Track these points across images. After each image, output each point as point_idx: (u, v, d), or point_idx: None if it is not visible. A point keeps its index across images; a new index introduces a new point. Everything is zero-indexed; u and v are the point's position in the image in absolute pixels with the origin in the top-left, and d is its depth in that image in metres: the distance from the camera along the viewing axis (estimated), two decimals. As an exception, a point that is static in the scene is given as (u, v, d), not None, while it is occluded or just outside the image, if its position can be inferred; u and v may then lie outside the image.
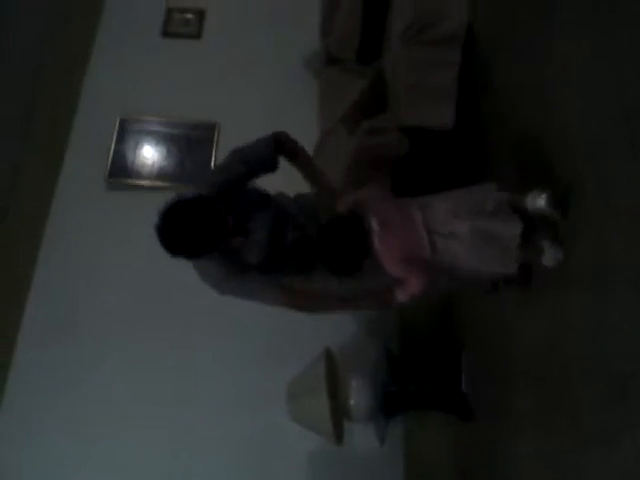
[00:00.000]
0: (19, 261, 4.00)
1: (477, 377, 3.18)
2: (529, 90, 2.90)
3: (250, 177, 2.40)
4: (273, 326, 3.31)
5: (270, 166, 2.44)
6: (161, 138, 4.43)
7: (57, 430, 3.56)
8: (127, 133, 4.41)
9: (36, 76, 4.44)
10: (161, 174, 4.31)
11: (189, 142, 4.40)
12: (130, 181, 4.29)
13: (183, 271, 2.39)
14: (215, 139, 4.35)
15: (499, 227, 2.34)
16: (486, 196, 2.40)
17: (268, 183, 2.48)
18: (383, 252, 2.31)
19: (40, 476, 3.50)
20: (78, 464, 3.49)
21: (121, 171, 4.30)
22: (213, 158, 4.29)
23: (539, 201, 2.42)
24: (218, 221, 2.17)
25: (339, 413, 3.11)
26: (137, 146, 4.39)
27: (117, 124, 4.41)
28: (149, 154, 4.38)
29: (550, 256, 2.41)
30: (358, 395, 3.14)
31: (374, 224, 2.32)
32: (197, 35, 4.84)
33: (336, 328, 3.42)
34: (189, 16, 4.90)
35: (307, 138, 3.74)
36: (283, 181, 2.56)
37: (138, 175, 4.31)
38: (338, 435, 3.07)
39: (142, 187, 4.27)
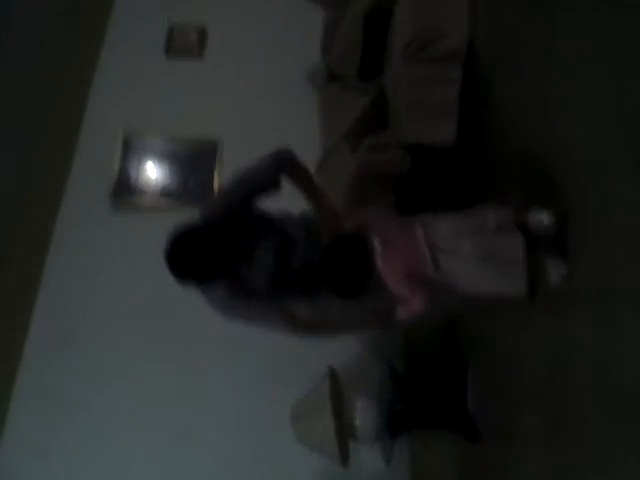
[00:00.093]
0: (23, 281, 3.99)
1: (483, 395, 3.15)
2: (530, 107, 2.91)
3: (253, 199, 2.40)
4: (276, 347, 3.27)
5: (273, 187, 2.43)
6: (164, 156, 4.44)
7: (61, 452, 3.54)
8: (130, 151, 4.43)
9: (40, 96, 4.46)
10: (164, 192, 4.32)
11: (192, 160, 4.41)
12: (133, 199, 4.30)
13: (187, 292, 2.38)
14: (218, 156, 4.36)
15: (502, 245, 2.33)
16: (488, 214, 2.39)
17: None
18: (386, 270, 2.30)
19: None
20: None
21: (125, 189, 4.31)
22: (216, 175, 4.30)
23: (541, 218, 2.41)
24: (224, 248, 2.18)
25: (344, 433, 3.08)
26: (140, 164, 4.40)
27: (121, 142, 4.43)
28: (152, 172, 4.39)
29: (554, 272, 2.40)
30: (363, 415, 3.11)
31: (376, 243, 2.31)
32: (199, 53, 4.87)
33: (340, 347, 3.39)
34: (191, 34, 4.93)
35: (309, 155, 3.77)
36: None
37: (141, 193, 4.32)
38: (344, 456, 3.03)
39: (145, 207, 4.28)
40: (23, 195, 4.17)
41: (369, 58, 3.97)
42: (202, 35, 4.92)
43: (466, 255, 2.31)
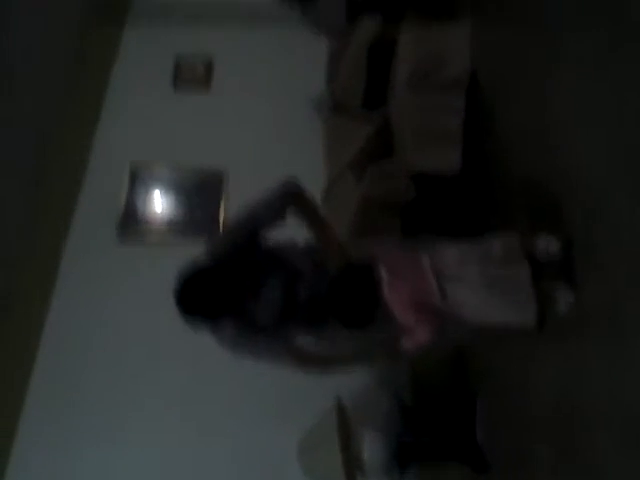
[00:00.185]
0: (30, 314, 3.98)
1: (492, 426, 3.11)
2: (532, 134, 2.89)
3: (259, 233, 2.39)
4: (283, 379, 3.24)
5: (279, 221, 2.43)
6: (171, 187, 4.46)
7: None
8: (137, 183, 4.45)
9: (48, 129, 4.51)
10: (171, 223, 4.33)
11: (198, 191, 4.43)
12: (140, 231, 4.30)
13: (196, 333, 2.37)
14: (224, 187, 4.37)
15: (509, 273, 2.30)
16: (494, 242, 2.37)
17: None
18: (393, 299, 2.27)
19: None
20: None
21: (131, 221, 4.32)
22: (222, 207, 4.31)
23: (550, 244, 2.38)
24: (232, 286, 2.18)
25: (352, 466, 3.03)
26: (147, 196, 4.43)
27: (128, 174, 4.46)
28: (159, 203, 4.41)
29: (561, 300, 2.37)
30: (371, 448, 3.07)
31: (383, 272, 2.30)
32: (206, 85, 4.91)
33: (347, 379, 3.33)
34: (198, 67, 4.98)
35: (314, 184, 3.77)
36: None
37: (148, 224, 4.33)
38: (351, 490, 3.00)
39: (152, 238, 4.29)
40: (30, 227, 4.18)
41: (373, 88, 4.00)
42: (209, 67, 4.97)
43: (473, 283, 2.28)
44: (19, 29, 4.20)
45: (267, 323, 2.35)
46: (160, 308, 3.73)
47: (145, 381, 3.74)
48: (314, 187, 3.74)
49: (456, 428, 3.20)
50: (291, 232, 2.48)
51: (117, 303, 4.02)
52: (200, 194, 4.41)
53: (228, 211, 4.26)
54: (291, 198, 2.40)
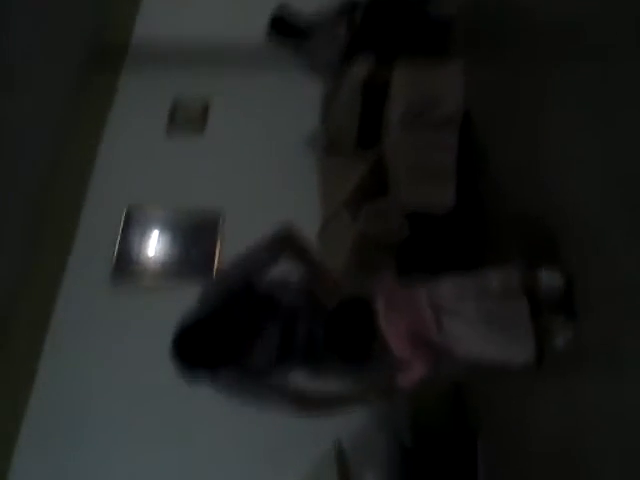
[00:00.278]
0: (23, 358, 3.95)
1: (494, 467, 3.05)
2: (525, 171, 2.91)
3: (253, 279, 2.39)
4: (280, 422, 3.19)
5: (273, 266, 2.43)
6: (166, 229, 4.46)
7: None
8: (132, 225, 4.45)
9: (44, 173, 4.53)
10: (166, 265, 4.32)
11: (194, 232, 4.42)
12: (135, 274, 4.29)
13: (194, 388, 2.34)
14: (220, 229, 4.37)
15: (507, 308, 2.28)
16: (492, 276, 2.36)
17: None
18: (389, 331, 2.25)
19: None
20: None
21: (126, 264, 4.30)
22: (218, 248, 4.30)
23: (553, 280, 2.37)
24: (230, 335, 2.18)
25: (352, 510, 2.97)
26: (142, 238, 4.42)
27: (123, 216, 4.46)
28: (154, 245, 4.40)
29: (560, 334, 2.35)
30: (371, 492, 3.01)
31: (380, 305, 2.28)
32: (202, 126, 4.96)
33: (346, 420, 3.28)
34: (194, 110, 5.03)
35: (310, 223, 3.80)
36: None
37: (143, 267, 4.31)
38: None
39: (147, 281, 4.27)
40: (25, 272, 4.18)
41: (367, 127, 4.04)
42: (204, 110, 5.02)
43: (470, 317, 2.26)
44: (19, 76, 4.26)
45: (265, 367, 2.34)
46: (154, 350, 3.74)
47: (138, 425, 3.69)
48: (310, 226, 3.81)
49: (457, 469, 3.14)
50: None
51: (111, 346, 3.98)
52: (196, 235, 4.40)
53: (224, 252, 4.25)
54: (285, 244, 2.42)
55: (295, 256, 2.46)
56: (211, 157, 4.74)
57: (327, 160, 4.16)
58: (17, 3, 4.29)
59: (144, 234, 4.43)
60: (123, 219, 4.45)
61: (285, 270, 2.48)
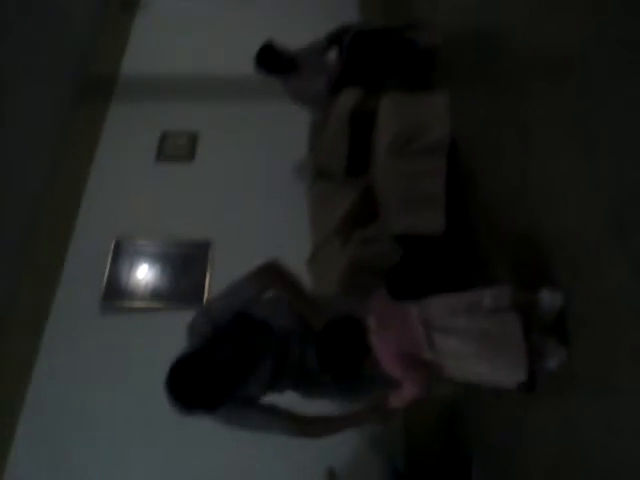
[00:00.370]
0: (12, 384, 3.92)
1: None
2: (514, 194, 2.93)
3: (240, 311, 2.40)
4: (274, 445, 3.18)
5: (259, 296, 2.45)
6: (156, 258, 4.46)
7: None
8: (122, 254, 4.45)
9: (33, 202, 4.55)
10: (155, 294, 4.30)
11: (184, 261, 4.43)
12: (124, 302, 4.27)
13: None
14: (209, 257, 4.38)
15: (499, 326, 2.27)
16: (484, 294, 2.35)
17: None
18: (381, 349, 2.25)
19: None
20: None
21: (116, 292, 4.29)
22: (208, 276, 4.30)
23: (555, 300, 2.37)
24: (224, 372, 2.17)
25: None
26: (132, 267, 4.41)
27: (112, 246, 4.46)
28: (144, 274, 4.39)
29: (554, 357, 2.35)
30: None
31: (371, 323, 2.28)
32: (190, 157, 5.00)
33: (339, 443, 3.26)
34: (182, 140, 5.08)
35: (299, 251, 3.84)
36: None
37: (133, 296, 4.29)
38: None
39: (136, 309, 4.25)
40: (13, 300, 4.16)
41: (355, 155, 4.09)
42: (193, 140, 5.07)
43: (461, 334, 2.25)
44: (8, 108, 4.29)
45: (258, 392, 2.35)
46: (143, 379, 3.75)
47: (127, 452, 3.66)
48: (300, 253, 3.84)
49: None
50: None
51: (100, 375, 3.95)
52: (185, 265, 4.41)
53: (214, 281, 4.26)
54: (269, 274, 2.45)
55: (281, 284, 2.48)
56: (200, 187, 4.78)
57: (316, 188, 4.20)
58: (7, 35, 4.33)
59: (133, 264, 4.43)
60: (112, 249, 4.45)
61: (273, 297, 2.51)
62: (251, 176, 4.76)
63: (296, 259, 3.71)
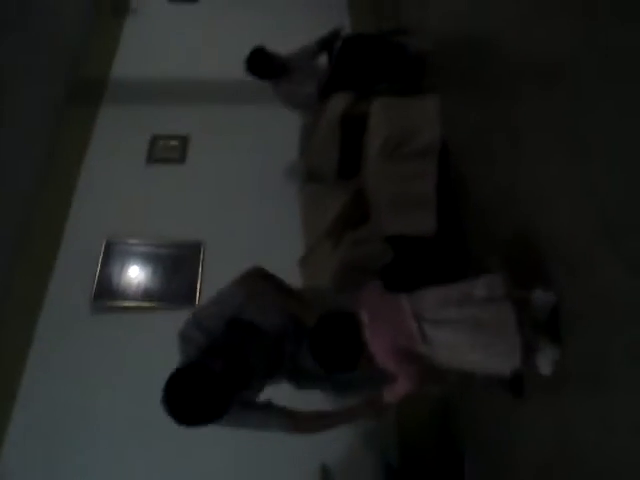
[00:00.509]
0: (2, 386, 3.90)
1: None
2: (505, 195, 2.97)
3: (232, 318, 2.41)
4: (267, 442, 3.20)
5: (248, 302, 2.46)
6: (147, 259, 4.47)
7: None
8: (113, 255, 4.45)
9: (25, 203, 4.54)
10: (147, 295, 4.31)
11: (175, 262, 4.44)
12: (116, 302, 4.27)
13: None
14: (201, 258, 4.40)
15: (492, 315, 2.29)
16: (477, 284, 2.37)
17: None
18: (374, 343, 2.28)
19: None
20: None
21: (107, 293, 4.29)
22: (199, 276, 4.32)
23: (548, 299, 2.39)
24: (223, 383, 2.15)
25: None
26: (123, 268, 4.42)
27: (103, 247, 4.46)
28: (135, 275, 4.40)
29: (546, 356, 2.37)
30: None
31: (364, 317, 2.31)
32: (181, 159, 5.02)
33: (332, 439, 3.27)
34: (173, 142, 5.09)
35: (291, 252, 3.87)
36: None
37: (124, 296, 4.30)
38: None
39: (127, 310, 4.26)
40: (4, 299, 4.15)
41: (346, 159, 4.13)
42: (184, 143, 5.09)
43: (454, 324, 2.28)
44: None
45: (255, 393, 2.40)
46: (135, 377, 3.77)
47: (121, 449, 3.67)
48: (291, 255, 3.87)
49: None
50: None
51: (92, 373, 3.96)
52: (177, 266, 4.42)
53: (206, 282, 4.28)
54: (254, 282, 2.48)
55: (267, 287, 2.52)
56: (191, 189, 4.81)
57: (308, 190, 4.24)
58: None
59: (124, 265, 4.43)
60: (103, 250, 4.45)
61: (263, 300, 2.52)
62: (242, 178, 4.80)
63: (288, 260, 3.78)
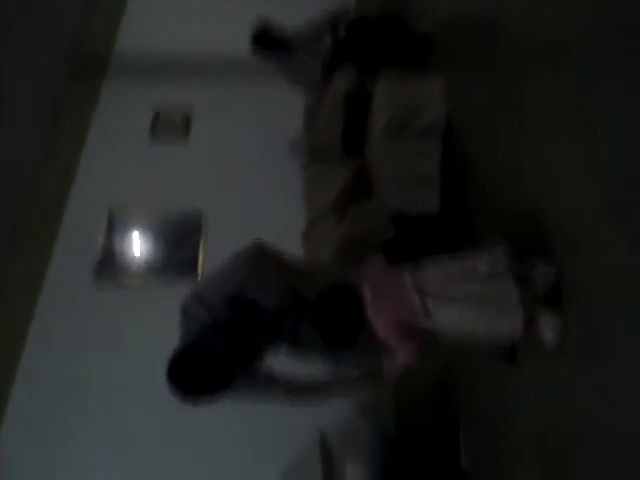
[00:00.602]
0: (3, 359, 3.92)
1: (477, 453, 3.11)
2: (510, 173, 3.00)
3: (234, 295, 2.45)
4: (265, 411, 3.24)
5: (249, 278, 2.49)
6: (149, 231, 4.50)
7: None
8: (115, 227, 4.49)
9: (27, 174, 4.55)
10: (149, 266, 4.35)
11: (177, 235, 4.47)
12: (118, 274, 4.30)
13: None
14: (203, 231, 4.43)
15: (495, 289, 2.33)
16: (479, 259, 2.41)
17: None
18: (377, 318, 2.31)
19: None
20: None
21: (109, 265, 4.33)
22: (201, 249, 4.35)
23: (550, 275, 2.43)
24: (225, 358, 2.22)
25: (336, 500, 3.01)
26: (125, 239, 4.45)
27: (106, 218, 4.49)
28: (137, 247, 4.44)
29: (548, 327, 2.41)
30: (354, 479, 3.05)
31: (366, 292, 2.34)
32: (185, 134, 5.04)
33: (330, 410, 3.33)
34: (176, 117, 5.10)
35: (292, 226, 3.88)
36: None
37: (126, 268, 4.33)
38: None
39: (130, 281, 4.29)
40: (6, 273, 4.16)
41: (350, 136, 4.14)
42: (187, 118, 5.10)
43: (458, 300, 2.32)
44: (2, 83, 4.29)
45: (257, 365, 2.44)
46: (138, 350, 3.79)
47: (122, 421, 3.70)
48: (293, 229, 3.90)
49: (440, 456, 3.20)
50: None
51: (94, 347, 3.98)
52: (179, 237, 4.45)
53: (207, 254, 4.31)
54: (256, 253, 2.53)
55: (268, 261, 2.55)
56: (194, 162, 4.82)
57: (312, 166, 4.25)
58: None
59: (127, 236, 4.47)
60: (106, 221, 4.48)
61: (264, 276, 2.55)
62: (245, 153, 4.81)
63: (289, 235, 3.81)
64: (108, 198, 4.61)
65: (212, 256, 4.19)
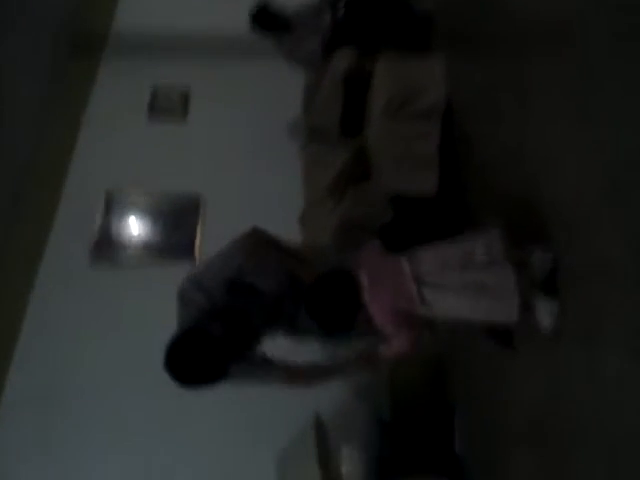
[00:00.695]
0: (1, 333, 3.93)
1: (471, 438, 3.12)
2: (510, 157, 2.97)
3: (232, 282, 2.43)
4: (260, 393, 3.25)
5: (248, 264, 2.48)
6: (146, 212, 4.49)
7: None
8: (113, 208, 4.47)
9: (25, 155, 4.52)
10: (146, 247, 4.34)
11: (175, 216, 4.46)
12: (115, 255, 4.30)
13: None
14: (200, 212, 4.41)
15: (492, 275, 2.31)
16: (476, 245, 2.38)
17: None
18: (374, 305, 2.30)
19: None
20: None
21: (106, 246, 4.32)
22: (199, 231, 4.34)
23: (544, 262, 2.42)
24: (223, 345, 2.22)
25: (331, 483, 3.02)
26: (122, 220, 4.44)
27: (103, 199, 4.47)
28: (134, 228, 4.43)
29: (545, 311, 2.39)
30: (350, 463, 3.07)
31: (364, 278, 2.33)
32: (183, 114, 5.00)
33: (325, 394, 3.32)
34: (174, 97, 5.06)
35: (291, 209, 3.86)
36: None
37: (123, 249, 4.33)
38: (331, 507, 2.98)
39: (127, 262, 4.29)
40: (3, 252, 4.15)
41: (349, 117, 4.10)
42: (185, 98, 5.06)
43: (455, 288, 2.30)
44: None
45: (254, 349, 2.45)
46: (135, 331, 3.79)
47: (119, 404, 3.71)
48: (291, 211, 3.88)
49: (434, 440, 3.22)
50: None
51: (91, 328, 3.98)
52: (177, 219, 4.44)
53: (205, 236, 4.29)
54: (252, 243, 2.52)
55: (266, 246, 2.54)
56: (193, 143, 4.80)
57: (310, 147, 4.23)
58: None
59: (125, 217, 4.46)
60: (103, 203, 4.46)
61: (262, 261, 2.54)
62: (244, 133, 4.76)
63: (287, 217, 3.80)
64: (106, 177, 4.59)
65: (209, 237, 4.19)
